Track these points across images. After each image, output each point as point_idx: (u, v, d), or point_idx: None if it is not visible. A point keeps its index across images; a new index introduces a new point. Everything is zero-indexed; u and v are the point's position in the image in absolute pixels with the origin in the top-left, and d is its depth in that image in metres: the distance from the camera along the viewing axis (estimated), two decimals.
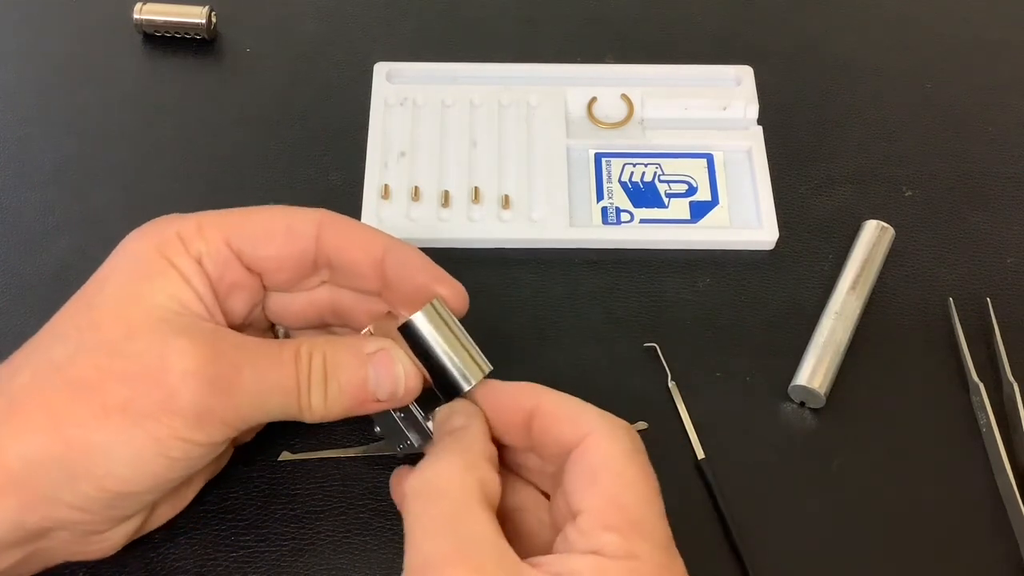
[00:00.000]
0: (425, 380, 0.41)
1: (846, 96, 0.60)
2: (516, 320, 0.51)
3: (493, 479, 0.38)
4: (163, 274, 0.39)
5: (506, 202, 0.54)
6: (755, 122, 0.57)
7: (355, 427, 0.47)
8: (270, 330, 0.45)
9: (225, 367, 0.38)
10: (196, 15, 0.60)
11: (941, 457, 0.47)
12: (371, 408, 0.41)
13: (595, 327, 0.51)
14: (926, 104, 0.59)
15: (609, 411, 0.47)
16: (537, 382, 0.48)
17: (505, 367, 0.49)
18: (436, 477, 0.37)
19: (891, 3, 0.64)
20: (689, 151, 0.56)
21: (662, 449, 0.47)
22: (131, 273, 0.39)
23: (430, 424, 0.42)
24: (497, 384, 0.41)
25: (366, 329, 0.42)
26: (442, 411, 0.41)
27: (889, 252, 0.53)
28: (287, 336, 0.46)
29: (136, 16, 0.60)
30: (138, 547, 0.43)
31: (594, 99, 0.58)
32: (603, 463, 0.37)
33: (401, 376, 0.40)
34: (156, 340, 0.38)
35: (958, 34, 0.63)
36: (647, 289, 0.52)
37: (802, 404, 0.48)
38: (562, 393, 0.40)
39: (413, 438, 0.42)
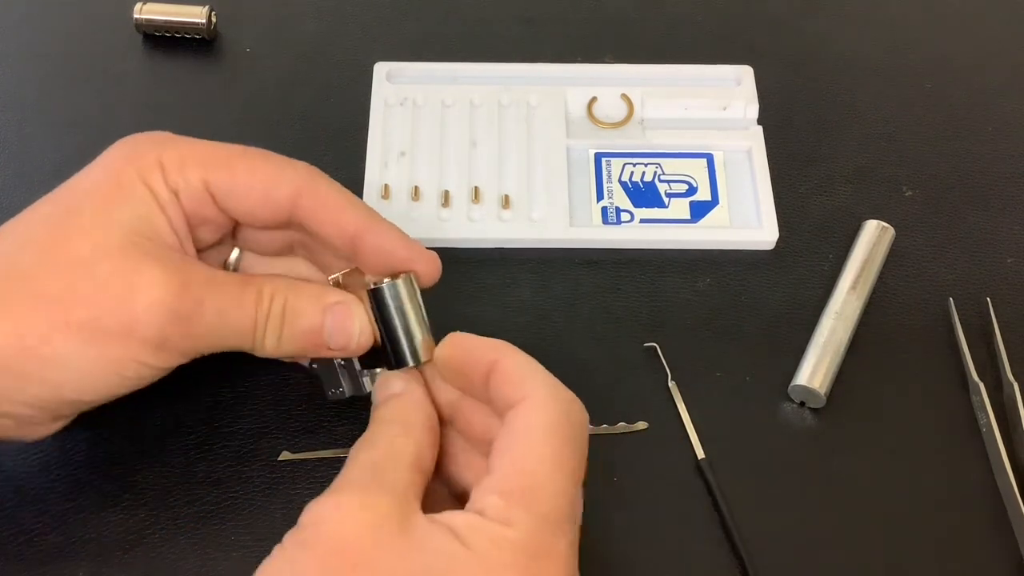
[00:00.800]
0: (376, 340, 0.43)
1: (846, 96, 0.60)
2: (516, 320, 0.51)
3: (428, 445, 0.40)
4: (141, 199, 0.40)
5: (506, 202, 0.54)
6: (755, 122, 0.57)
7: (356, 427, 0.47)
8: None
9: (189, 301, 0.39)
10: (196, 15, 0.60)
11: (941, 457, 0.47)
12: (321, 354, 0.43)
13: (595, 327, 0.51)
14: (926, 104, 0.59)
15: (609, 411, 0.47)
16: None
17: None
18: (370, 434, 0.40)
19: (891, 3, 0.64)
20: (689, 151, 0.56)
21: (662, 449, 0.47)
22: (108, 192, 0.40)
23: (366, 379, 0.44)
24: (467, 336, 0.41)
25: (333, 276, 0.43)
26: (383, 375, 0.43)
27: (889, 252, 0.53)
28: (236, 269, 0.46)
29: (136, 16, 0.60)
30: (138, 547, 0.44)
31: (594, 99, 0.58)
32: (524, 428, 0.37)
33: (355, 333, 0.42)
34: (126, 264, 0.38)
35: (958, 34, 0.63)
36: (647, 289, 0.52)
37: (802, 404, 0.48)
38: (525, 355, 0.40)
39: (346, 386, 0.44)
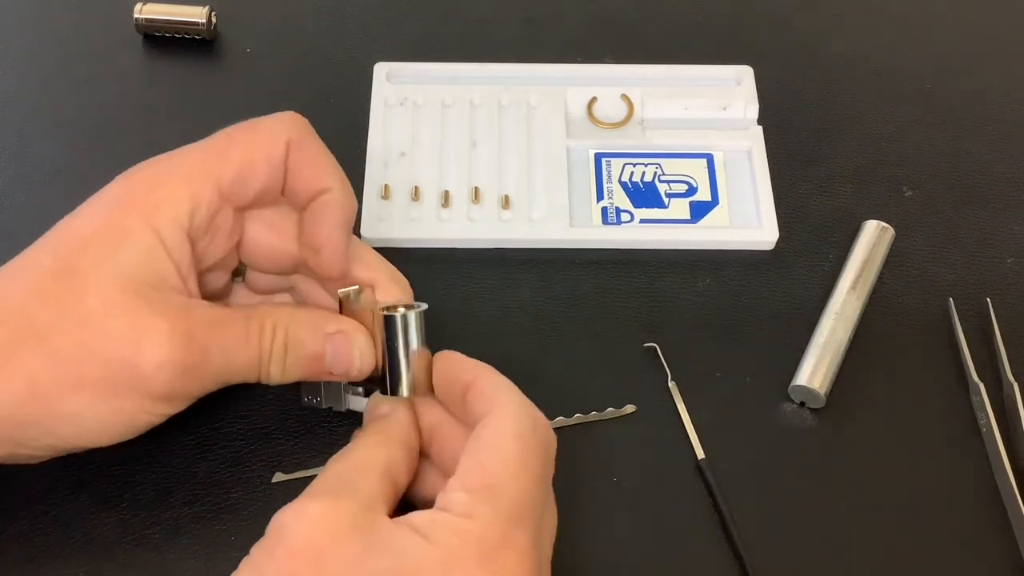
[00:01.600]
0: (376, 366, 0.43)
1: (846, 96, 0.60)
2: (516, 320, 0.51)
3: (403, 460, 0.41)
4: (145, 246, 0.40)
5: (506, 202, 0.54)
6: (755, 122, 0.57)
7: (355, 428, 0.47)
8: (235, 274, 0.47)
9: (195, 353, 0.39)
10: (196, 15, 0.60)
11: (941, 457, 0.47)
12: (325, 379, 0.44)
13: (595, 327, 0.51)
14: (926, 104, 0.59)
15: (609, 411, 0.47)
16: (537, 382, 0.48)
17: (505, 367, 0.49)
18: (346, 447, 0.41)
19: (891, 3, 0.64)
20: (689, 151, 0.56)
21: (662, 449, 0.47)
22: (113, 240, 0.40)
23: (349, 395, 0.45)
24: (453, 354, 0.43)
25: (343, 291, 0.43)
26: (374, 398, 0.44)
27: (889, 252, 0.53)
28: (243, 278, 0.47)
29: (136, 16, 0.60)
30: (138, 547, 0.44)
31: (594, 99, 0.58)
32: (492, 433, 0.39)
33: (356, 360, 0.43)
34: (134, 321, 0.39)
35: (958, 34, 0.63)
36: (647, 289, 0.52)
37: (802, 404, 0.48)
38: (502, 376, 0.41)
39: (324, 396, 0.45)
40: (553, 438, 0.40)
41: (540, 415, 0.40)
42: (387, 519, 0.37)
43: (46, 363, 0.38)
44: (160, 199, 0.41)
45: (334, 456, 0.41)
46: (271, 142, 0.43)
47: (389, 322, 0.42)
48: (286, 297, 0.47)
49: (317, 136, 0.44)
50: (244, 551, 0.43)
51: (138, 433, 0.41)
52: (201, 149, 0.43)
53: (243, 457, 0.46)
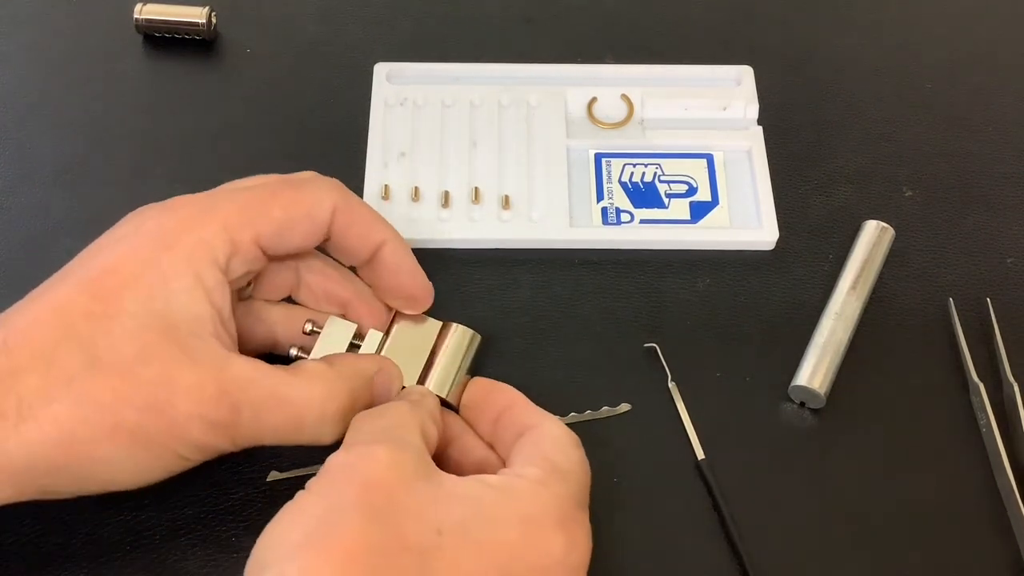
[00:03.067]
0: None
1: (846, 96, 0.60)
2: (516, 320, 0.51)
3: (429, 422, 0.42)
4: (187, 291, 0.40)
5: (506, 202, 0.54)
6: (755, 122, 0.57)
7: None
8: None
9: (226, 412, 0.39)
10: (196, 15, 0.60)
11: (941, 457, 0.47)
12: None
13: (595, 327, 0.51)
14: (926, 104, 0.59)
15: (604, 409, 0.48)
16: (537, 382, 0.48)
17: (505, 366, 0.49)
18: (375, 409, 0.42)
19: (891, 3, 0.64)
20: (689, 151, 0.56)
21: (662, 449, 0.47)
22: (152, 284, 0.39)
23: None
24: (485, 381, 0.46)
25: (308, 325, 0.46)
26: (408, 389, 0.46)
27: (889, 252, 0.53)
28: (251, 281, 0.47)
29: (136, 16, 0.60)
30: (138, 547, 0.44)
31: (594, 99, 0.58)
32: (550, 437, 0.41)
33: (393, 394, 0.45)
34: (168, 369, 0.38)
35: (958, 34, 0.63)
36: (647, 289, 0.52)
37: (802, 404, 0.48)
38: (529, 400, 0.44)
39: None
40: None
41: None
42: (448, 473, 0.39)
43: (80, 412, 0.37)
44: (200, 241, 0.40)
45: (361, 416, 0.41)
46: (315, 204, 0.43)
47: (445, 328, 0.47)
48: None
49: (356, 196, 0.45)
50: (244, 551, 0.43)
51: (173, 475, 0.40)
52: (242, 197, 0.43)
53: (243, 457, 0.46)
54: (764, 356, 0.50)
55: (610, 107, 0.58)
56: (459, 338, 0.47)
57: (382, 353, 0.46)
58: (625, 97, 0.58)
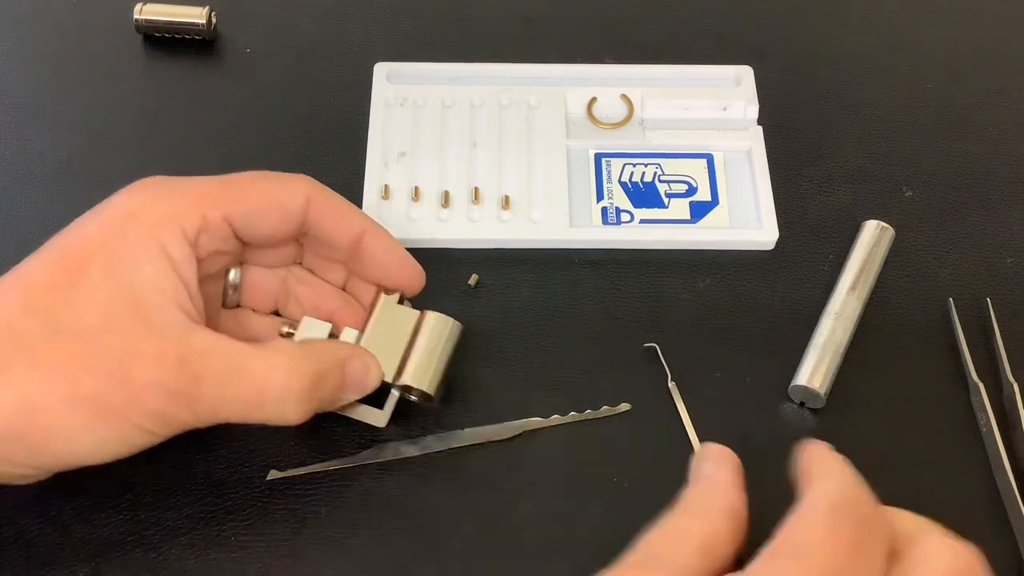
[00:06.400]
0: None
1: (846, 96, 0.60)
2: (516, 320, 0.51)
3: (721, 528, 0.39)
4: (151, 262, 0.40)
5: (506, 202, 0.54)
6: (755, 122, 0.57)
7: (355, 429, 0.47)
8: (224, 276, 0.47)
9: (186, 380, 0.39)
10: (196, 15, 0.60)
11: (941, 457, 0.47)
12: (336, 406, 0.45)
13: (595, 327, 0.51)
14: (926, 104, 0.59)
15: (604, 409, 0.48)
16: (536, 382, 0.49)
17: (505, 367, 0.49)
18: (664, 518, 0.39)
19: (891, 3, 0.64)
20: (689, 151, 0.56)
21: (662, 449, 0.47)
22: (117, 254, 0.40)
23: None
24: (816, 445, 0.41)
25: (285, 331, 0.46)
26: (698, 452, 0.43)
27: (889, 252, 0.53)
28: (237, 287, 0.46)
29: (136, 16, 0.60)
30: (138, 547, 0.44)
31: (594, 99, 0.58)
32: (803, 506, 0.37)
33: (371, 382, 0.44)
34: (129, 338, 0.38)
35: (958, 34, 0.63)
36: (647, 289, 0.52)
37: (802, 404, 0.48)
38: (831, 452, 0.41)
39: None
40: (881, 519, 0.37)
41: (862, 492, 0.38)
42: None
43: (39, 377, 0.38)
44: (167, 213, 0.41)
45: (652, 527, 0.38)
46: (289, 194, 0.44)
47: (439, 322, 0.46)
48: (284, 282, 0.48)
49: (330, 189, 0.45)
50: (244, 551, 0.43)
51: (134, 452, 0.40)
52: (215, 179, 0.43)
53: (242, 457, 0.46)
54: (764, 356, 0.50)
55: (610, 107, 0.58)
56: (437, 327, 0.46)
57: (360, 345, 0.45)
58: (625, 97, 0.58)
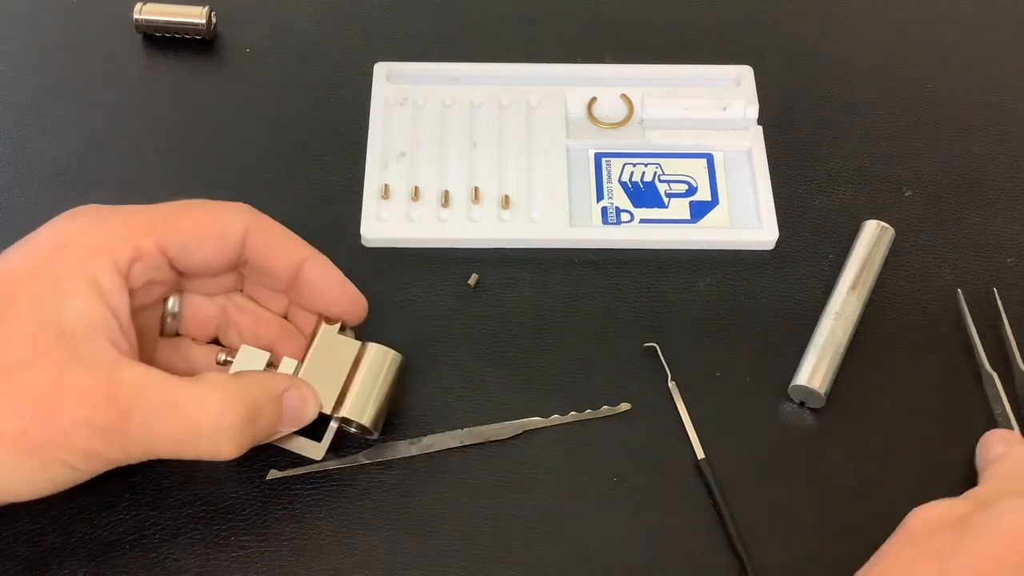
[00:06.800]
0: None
1: (846, 96, 0.60)
2: (516, 320, 0.51)
3: None
4: (80, 293, 0.39)
5: (506, 202, 0.54)
6: (755, 122, 0.57)
7: (347, 438, 0.47)
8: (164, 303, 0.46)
9: (114, 417, 0.38)
10: (196, 15, 0.60)
11: (940, 457, 0.47)
12: (272, 438, 0.43)
13: (595, 327, 0.51)
14: (926, 104, 0.59)
15: (604, 409, 0.47)
16: (536, 382, 0.49)
17: (505, 367, 0.49)
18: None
19: (891, 3, 0.64)
20: (689, 151, 0.56)
21: (662, 449, 0.47)
22: (45, 285, 0.39)
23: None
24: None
25: (222, 358, 0.45)
26: (987, 435, 0.47)
27: (889, 252, 0.53)
28: (176, 315, 0.46)
29: (136, 16, 0.60)
30: (138, 547, 0.44)
31: (594, 99, 0.58)
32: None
33: (308, 414, 0.43)
34: (55, 372, 0.37)
35: (958, 34, 0.63)
36: (647, 289, 0.52)
37: (802, 404, 0.48)
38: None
39: None
40: None
41: None
42: None
43: None
44: (98, 243, 0.40)
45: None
46: (225, 222, 0.43)
47: (378, 354, 0.45)
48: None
49: (270, 218, 0.44)
50: (244, 551, 0.43)
51: (63, 488, 0.39)
52: (149, 208, 0.42)
53: (242, 457, 0.46)
54: (764, 356, 0.50)
55: (610, 107, 0.58)
56: (378, 358, 0.45)
57: (299, 376, 0.44)
58: (625, 97, 0.58)
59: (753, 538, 0.44)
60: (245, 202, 0.45)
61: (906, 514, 0.44)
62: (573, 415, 0.47)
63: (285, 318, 0.47)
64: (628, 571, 0.44)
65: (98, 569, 0.43)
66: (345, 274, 0.46)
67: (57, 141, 0.57)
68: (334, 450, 0.46)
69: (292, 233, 0.44)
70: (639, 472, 0.46)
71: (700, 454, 0.47)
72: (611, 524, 0.45)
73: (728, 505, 0.45)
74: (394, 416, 0.47)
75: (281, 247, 0.44)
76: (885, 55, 0.62)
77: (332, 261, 0.46)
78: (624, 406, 0.48)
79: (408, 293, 0.51)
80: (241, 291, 0.47)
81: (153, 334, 0.45)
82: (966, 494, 0.42)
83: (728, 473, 0.46)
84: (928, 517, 0.40)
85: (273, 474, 0.46)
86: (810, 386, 0.48)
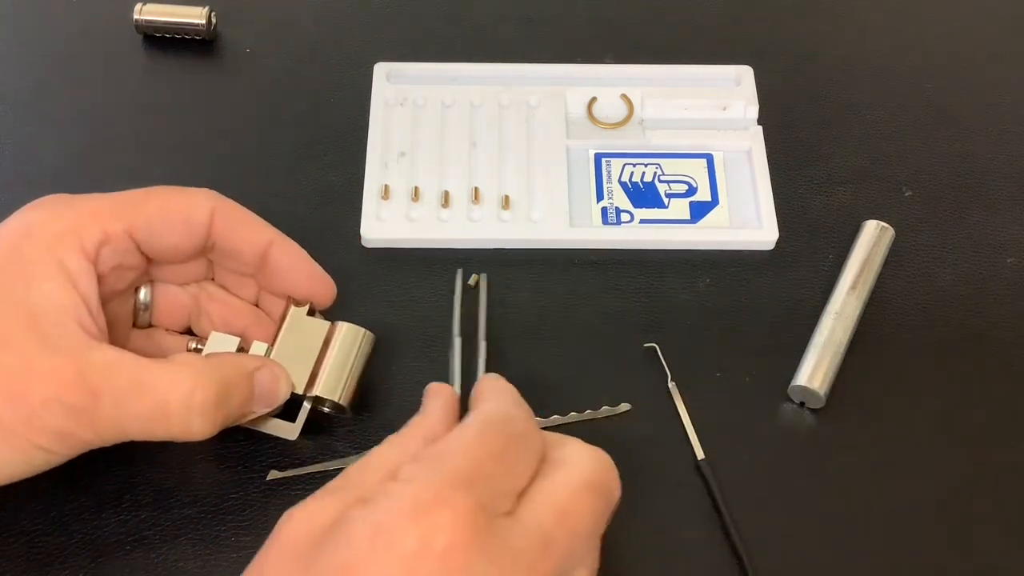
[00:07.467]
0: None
1: (846, 96, 0.60)
2: (516, 320, 0.51)
3: None
4: (49, 278, 0.39)
5: (506, 202, 0.54)
6: (755, 122, 0.57)
7: (355, 429, 0.47)
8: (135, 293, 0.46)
9: (84, 396, 0.38)
10: (196, 15, 0.60)
11: (940, 457, 0.47)
12: (246, 419, 0.44)
13: (595, 327, 0.51)
14: (926, 104, 0.59)
15: (604, 409, 0.47)
16: (536, 382, 0.48)
17: (505, 367, 0.49)
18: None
19: (891, 3, 0.64)
20: (689, 151, 0.56)
21: (662, 449, 0.47)
22: (13, 271, 0.39)
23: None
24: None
25: (192, 347, 0.45)
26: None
27: (889, 252, 0.53)
28: (148, 306, 0.46)
29: (136, 16, 0.60)
30: (138, 547, 0.44)
31: (594, 99, 0.58)
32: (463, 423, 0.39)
33: (281, 393, 0.43)
34: (25, 355, 0.38)
35: (958, 34, 0.63)
36: (647, 289, 0.52)
37: (802, 404, 0.48)
38: (500, 380, 0.42)
39: None
40: (532, 433, 0.38)
41: (518, 412, 0.39)
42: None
43: None
44: (65, 229, 0.40)
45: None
46: (191, 205, 0.43)
47: (350, 332, 0.46)
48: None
49: (234, 202, 0.45)
50: (244, 551, 0.43)
51: (37, 471, 0.39)
52: (115, 196, 0.43)
53: (242, 457, 0.46)
54: (764, 356, 0.50)
55: (610, 107, 0.58)
56: (348, 337, 0.46)
57: (270, 358, 0.45)
58: (625, 97, 0.58)
59: (753, 538, 0.44)
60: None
61: (904, 512, 0.44)
62: (573, 415, 0.47)
63: (256, 306, 0.47)
64: (628, 571, 0.44)
65: (98, 569, 0.43)
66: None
67: (57, 141, 0.57)
68: (314, 434, 0.46)
69: (258, 217, 0.45)
70: (639, 472, 0.46)
71: (700, 454, 0.47)
72: (610, 524, 0.45)
73: (728, 505, 0.45)
74: (395, 416, 0.47)
75: (247, 230, 0.44)
76: (885, 55, 0.62)
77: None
78: (624, 406, 0.48)
79: (408, 293, 0.51)
80: (212, 280, 0.47)
81: (126, 325, 0.46)
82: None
83: (728, 473, 0.46)
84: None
85: (273, 474, 0.46)
86: (810, 386, 0.48)
